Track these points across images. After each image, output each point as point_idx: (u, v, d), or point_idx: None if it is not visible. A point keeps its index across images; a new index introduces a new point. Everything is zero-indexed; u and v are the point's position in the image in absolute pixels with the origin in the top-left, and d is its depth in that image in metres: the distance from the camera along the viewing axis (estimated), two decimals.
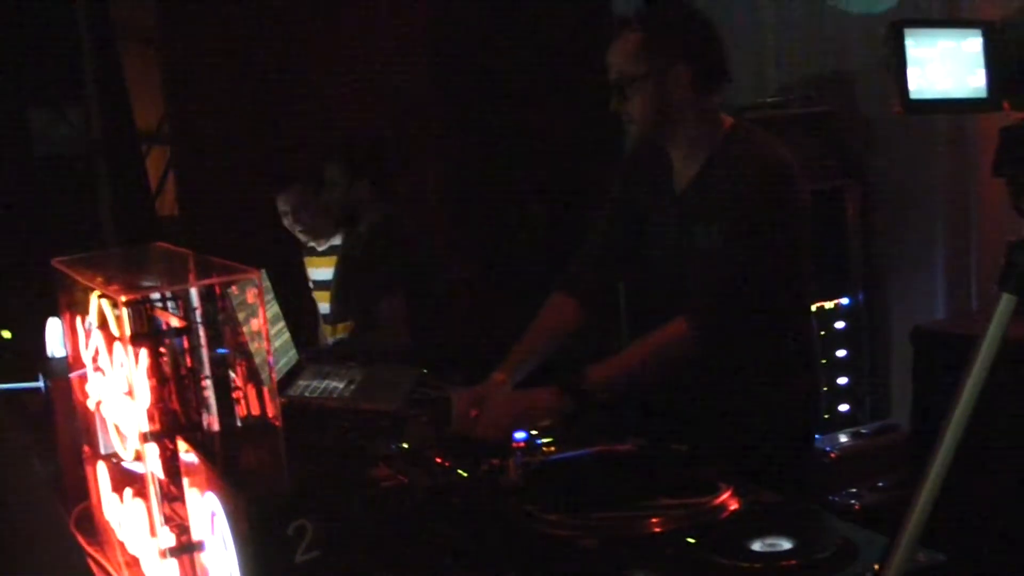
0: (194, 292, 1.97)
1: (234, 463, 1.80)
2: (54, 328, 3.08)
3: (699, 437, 2.76)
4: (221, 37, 6.10)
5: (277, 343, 3.45)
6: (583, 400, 2.68)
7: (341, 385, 3.30)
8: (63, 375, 2.53)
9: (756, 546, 2.03)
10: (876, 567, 1.78)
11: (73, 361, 2.41)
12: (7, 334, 4.43)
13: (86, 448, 2.43)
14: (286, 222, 4.78)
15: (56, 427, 2.68)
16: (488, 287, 6.27)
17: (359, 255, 4.62)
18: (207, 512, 1.69)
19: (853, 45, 5.07)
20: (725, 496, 2.25)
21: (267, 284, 3.59)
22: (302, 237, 4.81)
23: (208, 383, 1.97)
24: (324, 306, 4.79)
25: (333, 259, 4.76)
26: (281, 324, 3.57)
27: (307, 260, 4.89)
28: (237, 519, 1.56)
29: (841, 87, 5.08)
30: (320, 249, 4.82)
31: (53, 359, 2.98)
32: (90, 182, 5.98)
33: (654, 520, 2.17)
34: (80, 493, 2.52)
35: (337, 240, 4.79)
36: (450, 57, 6.52)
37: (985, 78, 1.66)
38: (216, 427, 1.95)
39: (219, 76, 6.17)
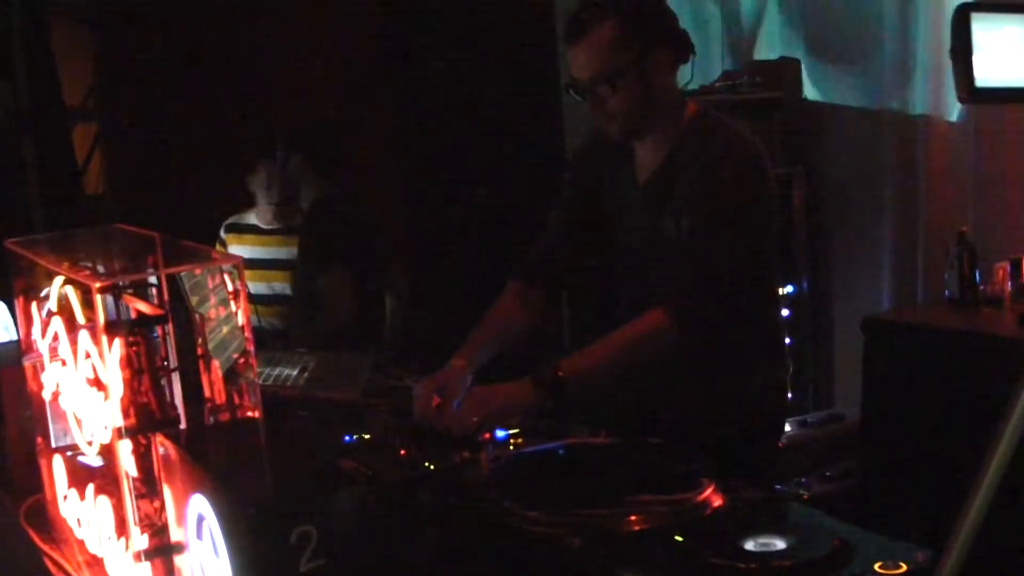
0: (180, 277, 1.87)
1: (219, 462, 1.70)
2: (3, 312, 2.94)
3: (670, 428, 2.72)
4: (155, 12, 5.96)
5: (225, 328, 3.32)
6: (557, 395, 2.58)
7: (294, 372, 3.18)
8: (13, 363, 2.40)
9: (750, 545, 1.97)
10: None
11: (25, 348, 2.29)
12: None
13: (39, 439, 2.30)
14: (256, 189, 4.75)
15: (4, 416, 2.55)
16: (436, 272, 6.19)
17: (300, 232, 4.53)
18: (194, 515, 1.59)
19: (802, 30, 5.05)
20: (708, 492, 2.19)
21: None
22: (259, 211, 4.76)
23: (188, 376, 1.88)
24: (254, 285, 4.66)
25: (271, 239, 4.66)
26: (230, 309, 3.45)
27: (237, 237, 4.76)
28: (234, 525, 1.46)
29: (787, 73, 5.06)
30: (247, 224, 4.73)
31: (3, 344, 2.83)
32: (17, 159, 5.80)
33: (638, 517, 2.09)
34: (30, 486, 2.40)
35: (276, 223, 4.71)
36: (398, 38, 6.42)
37: None
38: (194, 422, 1.85)
39: (150, 51, 6.02)
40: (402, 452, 2.51)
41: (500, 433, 2.60)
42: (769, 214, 2.77)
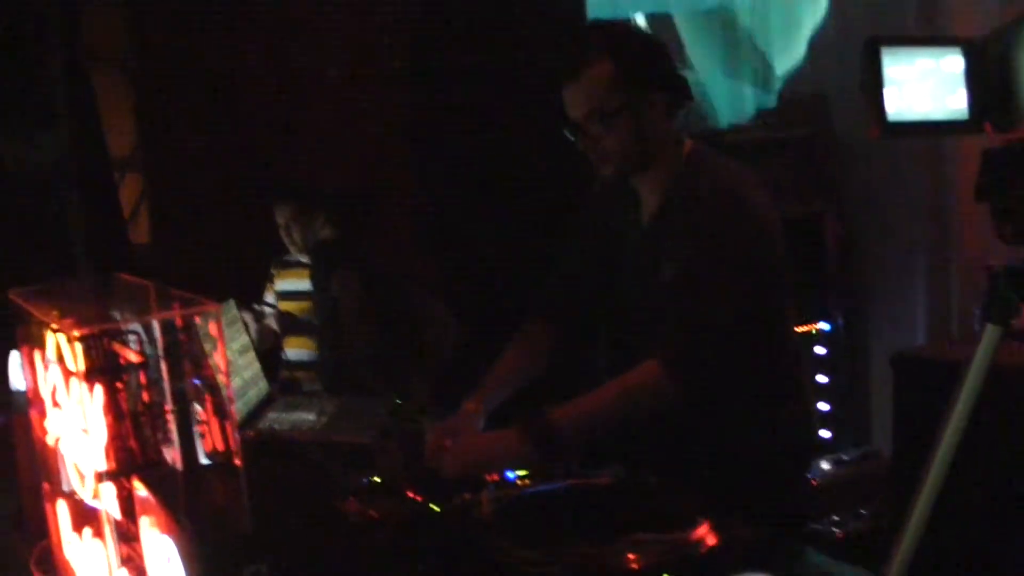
0: (155, 325, 1.89)
1: (192, 503, 1.73)
2: (15, 361, 3.00)
3: (686, 469, 2.69)
4: (195, 63, 6.03)
5: (246, 374, 3.37)
6: (545, 446, 2.57)
7: (312, 417, 3.22)
8: (24, 410, 2.45)
9: None
10: None
11: (32, 396, 2.34)
12: None
13: (46, 485, 2.35)
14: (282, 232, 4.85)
15: (17, 463, 2.60)
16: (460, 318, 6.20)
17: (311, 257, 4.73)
18: (163, 555, 1.62)
19: (830, 67, 5.05)
20: (702, 530, 2.19)
21: (235, 314, 3.53)
22: (292, 249, 4.83)
23: (169, 419, 1.90)
24: (299, 317, 4.77)
25: (302, 271, 4.75)
26: (250, 354, 3.51)
27: (281, 273, 4.88)
28: (191, 563, 1.49)
29: (818, 110, 5.05)
30: (293, 260, 4.83)
31: (15, 393, 2.89)
32: (62, 210, 5.89)
33: (630, 556, 2.10)
34: (42, 530, 2.44)
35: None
36: (428, 104, 6.46)
37: (966, 99, 1.59)
38: (176, 465, 1.88)
39: (193, 102, 6.09)
40: (409, 494, 2.53)
41: (509, 474, 2.62)
42: (761, 249, 2.70)
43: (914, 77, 1.48)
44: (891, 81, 1.47)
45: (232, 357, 3.31)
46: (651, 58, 2.72)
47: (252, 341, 3.74)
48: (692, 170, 2.73)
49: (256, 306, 4.80)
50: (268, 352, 4.52)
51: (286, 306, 4.82)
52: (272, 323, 4.80)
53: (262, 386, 3.51)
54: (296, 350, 4.74)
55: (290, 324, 4.78)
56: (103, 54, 6.14)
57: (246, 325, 3.66)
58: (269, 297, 4.90)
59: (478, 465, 2.60)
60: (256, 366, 3.52)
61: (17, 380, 2.96)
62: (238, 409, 3.18)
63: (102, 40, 6.16)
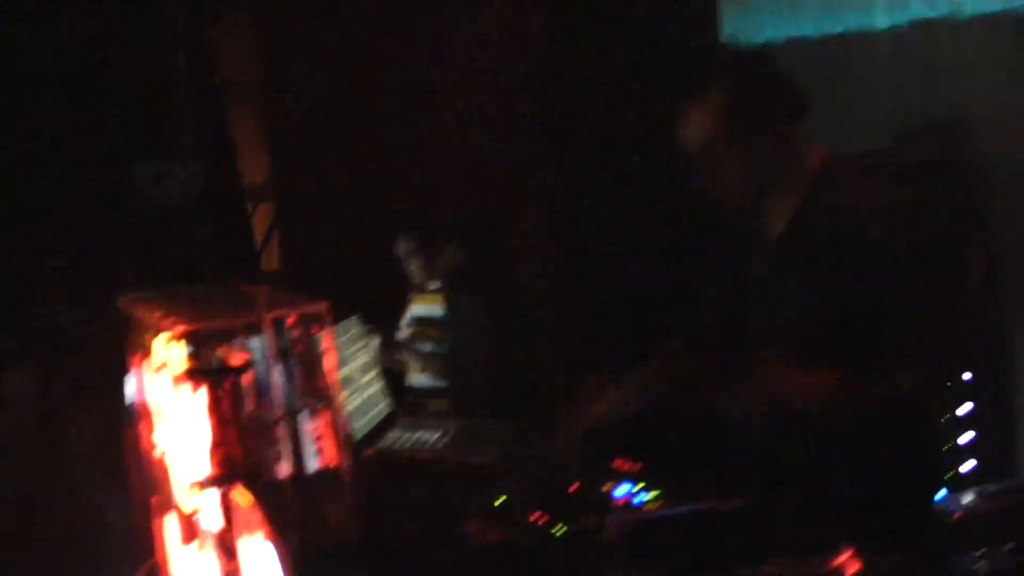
0: (266, 331, 1.80)
1: (298, 513, 1.63)
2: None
3: (819, 494, 2.55)
4: (327, 90, 6.05)
5: (368, 393, 3.29)
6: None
7: (434, 437, 3.12)
8: (134, 423, 2.38)
9: None
10: None
11: (140, 407, 2.27)
12: None
13: (155, 499, 2.27)
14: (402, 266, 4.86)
15: (130, 478, 2.53)
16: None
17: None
18: (260, 563, 1.52)
19: (973, 89, 4.83)
20: (843, 557, 2.03)
21: (358, 332, 3.45)
22: (414, 280, 4.84)
23: (279, 428, 1.81)
24: (424, 343, 4.74)
25: (436, 297, 4.70)
26: (373, 373, 3.42)
27: (413, 298, 4.87)
28: (285, 570, 1.38)
29: (959, 133, 4.84)
30: (429, 287, 4.79)
31: (130, 406, 2.83)
32: (195, 238, 5.92)
33: None
34: (152, 546, 2.37)
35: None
36: (564, 138, 6.40)
37: None
38: (282, 475, 1.78)
39: (326, 131, 6.11)
40: (532, 517, 2.41)
41: (624, 490, 2.50)
42: (905, 270, 2.59)
43: None
44: None
45: (354, 375, 3.23)
46: (771, 77, 2.62)
47: (376, 361, 3.66)
48: (831, 184, 2.61)
49: (384, 333, 4.74)
50: (397, 378, 4.46)
51: (418, 332, 4.77)
52: (403, 353, 4.75)
53: (384, 405, 3.42)
54: (423, 377, 4.67)
55: (420, 352, 4.72)
56: (238, 85, 6.19)
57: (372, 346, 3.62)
58: (404, 323, 4.86)
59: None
60: (379, 385, 3.44)
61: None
62: (359, 427, 3.10)
63: (237, 71, 6.21)
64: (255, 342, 1.75)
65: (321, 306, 1.70)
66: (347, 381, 3.10)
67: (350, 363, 3.23)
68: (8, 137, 4.90)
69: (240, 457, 1.71)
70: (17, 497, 3.38)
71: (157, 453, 2.15)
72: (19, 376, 3.70)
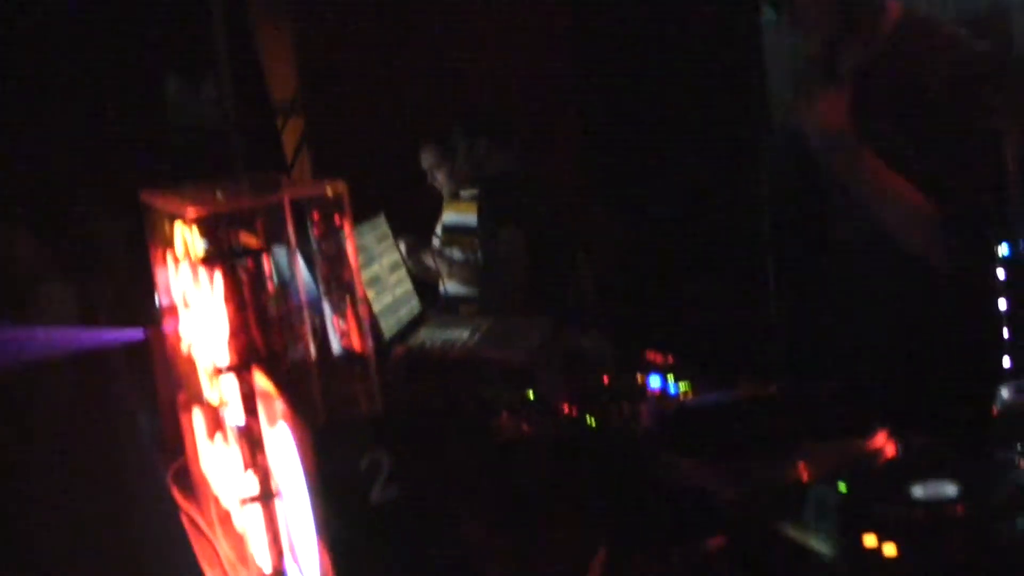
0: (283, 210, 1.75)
1: (316, 400, 1.59)
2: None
3: (861, 378, 2.52)
4: (354, 9, 6.04)
5: (397, 291, 3.26)
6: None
7: (465, 335, 3.08)
8: (159, 321, 2.35)
9: (917, 492, 1.74)
10: None
11: (165, 301, 2.23)
12: None
13: (181, 395, 2.24)
14: (428, 177, 4.88)
15: (156, 376, 2.51)
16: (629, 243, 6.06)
17: (479, 199, 4.63)
18: (280, 448, 1.49)
19: None
20: (880, 438, 1.98)
21: (386, 230, 3.41)
22: (443, 192, 4.88)
23: (302, 312, 1.76)
24: (451, 250, 4.68)
25: (470, 205, 4.63)
26: (401, 271, 3.39)
27: (446, 204, 4.82)
28: (305, 453, 1.35)
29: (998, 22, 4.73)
30: (463, 194, 4.74)
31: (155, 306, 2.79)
32: (226, 155, 5.90)
33: (800, 467, 1.90)
34: (180, 447, 2.35)
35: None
36: (593, 45, 6.32)
37: None
38: (306, 361, 1.74)
39: (352, 47, 6.09)
40: (564, 409, 2.38)
41: (657, 383, 2.45)
42: (994, 136, 2.56)
43: None
44: None
45: (383, 274, 3.19)
46: None
47: (403, 259, 3.63)
48: (915, 36, 2.58)
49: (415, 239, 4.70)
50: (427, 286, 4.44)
51: (449, 240, 4.73)
52: (435, 260, 4.70)
53: (414, 304, 3.38)
54: (456, 285, 4.64)
55: (451, 259, 4.68)
56: (265, 6, 6.20)
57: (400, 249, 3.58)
58: (436, 231, 4.82)
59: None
60: (408, 285, 3.41)
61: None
62: (388, 326, 3.07)
63: None
64: (273, 226, 1.71)
65: (339, 186, 1.65)
66: (375, 279, 3.07)
67: (379, 261, 3.19)
68: (45, 55, 4.90)
69: (261, 342, 1.67)
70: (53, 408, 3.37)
71: (184, 347, 2.11)
72: (54, 288, 3.68)
